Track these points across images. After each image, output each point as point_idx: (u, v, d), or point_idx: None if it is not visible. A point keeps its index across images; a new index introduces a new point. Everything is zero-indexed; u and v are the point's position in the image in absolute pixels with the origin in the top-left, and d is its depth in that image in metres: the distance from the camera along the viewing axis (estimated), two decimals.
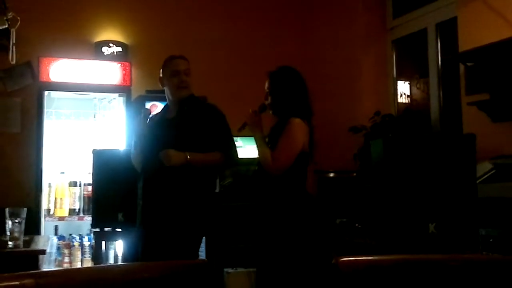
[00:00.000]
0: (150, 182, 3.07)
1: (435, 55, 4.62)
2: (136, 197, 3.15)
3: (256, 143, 3.07)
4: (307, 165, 3.17)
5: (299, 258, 2.95)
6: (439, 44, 4.60)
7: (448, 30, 4.44)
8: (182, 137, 3.07)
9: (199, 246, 3.13)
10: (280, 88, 3.14)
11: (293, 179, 3.06)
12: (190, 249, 2.98)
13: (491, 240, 2.97)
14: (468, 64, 3.86)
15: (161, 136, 3.11)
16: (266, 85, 3.18)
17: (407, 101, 5.10)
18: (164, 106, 3.37)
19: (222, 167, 3.34)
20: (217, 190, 4.93)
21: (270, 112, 3.19)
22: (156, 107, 4.68)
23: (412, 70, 5.16)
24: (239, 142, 4.31)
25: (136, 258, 3.04)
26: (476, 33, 3.79)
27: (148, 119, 3.21)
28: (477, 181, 3.13)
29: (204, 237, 3.37)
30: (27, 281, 1.10)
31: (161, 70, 3.26)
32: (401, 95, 5.14)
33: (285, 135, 3.00)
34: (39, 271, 2.52)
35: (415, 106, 4.98)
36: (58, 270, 1.52)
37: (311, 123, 3.21)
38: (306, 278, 2.96)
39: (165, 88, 3.25)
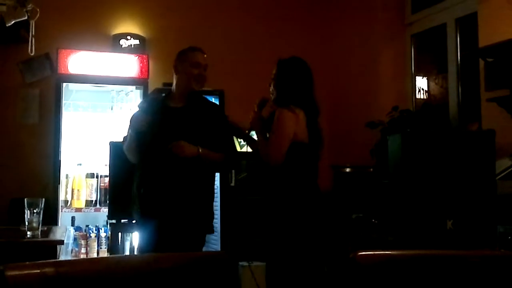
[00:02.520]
0: (160, 171, 2.98)
1: (454, 51, 4.57)
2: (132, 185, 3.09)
3: (257, 137, 3.14)
4: (307, 156, 3.13)
5: (297, 250, 2.97)
6: (458, 39, 4.55)
7: (467, 25, 4.39)
8: (191, 129, 3.01)
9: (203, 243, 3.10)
10: (285, 77, 3.15)
11: (291, 171, 3.05)
12: (198, 243, 3.00)
13: (509, 237, 2.94)
14: (488, 59, 3.81)
15: (168, 125, 3.03)
16: (274, 71, 3.20)
17: (425, 97, 5.06)
18: (165, 95, 3.24)
19: (222, 167, 3.35)
20: (232, 184, 4.97)
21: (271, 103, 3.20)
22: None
23: (431, 65, 5.11)
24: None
25: (149, 249, 3.01)
26: (496, 29, 3.74)
27: (147, 106, 3.14)
28: (496, 178, 3.10)
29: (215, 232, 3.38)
30: (47, 269, 1.11)
31: (178, 58, 3.17)
32: (419, 91, 5.09)
33: (273, 127, 3.03)
34: (59, 260, 2.55)
35: (434, 102, 4.94)
36: (78, 259, 1.54)
37: (313, 115, 3.17)
38: (305, 272, 2.97)
39: (178, 77, 3.15)
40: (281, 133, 3.02)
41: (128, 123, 3.11)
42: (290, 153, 3.01)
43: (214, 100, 5.13)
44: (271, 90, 3.18)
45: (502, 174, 3.19)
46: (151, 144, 3.00)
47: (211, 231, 3.10)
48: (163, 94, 3.31)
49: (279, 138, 3.02)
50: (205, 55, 3.18)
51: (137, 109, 3.16)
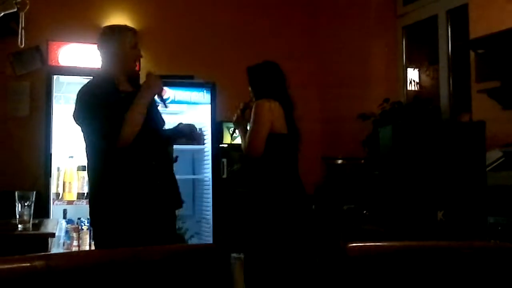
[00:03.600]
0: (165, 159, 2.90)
1: (446, 42, 4.58)
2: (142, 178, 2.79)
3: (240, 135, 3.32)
4: (286, 147, 3.26)
5: (277, 242, 3.05)
6: (449, 31, 4.57)
7: (458, 16, 4.40)
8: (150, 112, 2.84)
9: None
10: (257, 80, 3.34)
11: (272, 162, 3.17)
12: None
13: (499, 228, 2.97)
14: (479, 51, 3.83)
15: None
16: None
17: (416, 88, 5.08)
18: (106, 80, 2.83)
19: None
20: (224, 176, 4.98)
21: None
22: (165, 91, 4.66)
23: (422, 57, 5.12)
24: None
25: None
26: (487, 20, 3.76)
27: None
28: (487, 169, 3.12)
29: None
30: (37, 263, 1.11)
31: (116, 38, 2.85)
32: (410, 82, 5.11)
33: (252, 119, 3.16)
34: (49, 253, 2.55)
35: (425, 93, 4.96)
36: (68, 252, 1.54)
37: (289, 108, 3.33)
38: (285, 263, 3.01)
39: (116, 59, 2.84)
40: (258, 122, 3.14)
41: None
42: (269, 144, 3.13)
43: (205, 92, 5.14)
44: (251, 96, 3.35)
45: (492, 166, 3.21)
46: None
47: (179, 205, 2.96)
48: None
49: (257, 128, 3.14)
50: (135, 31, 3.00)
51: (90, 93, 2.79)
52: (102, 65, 2.89)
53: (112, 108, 2.68)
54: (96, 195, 2.78)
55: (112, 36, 2.86)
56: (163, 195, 2.83)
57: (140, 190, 2.74)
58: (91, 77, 2.93)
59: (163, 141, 2.91)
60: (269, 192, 3.10)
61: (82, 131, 2.82)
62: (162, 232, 2.77)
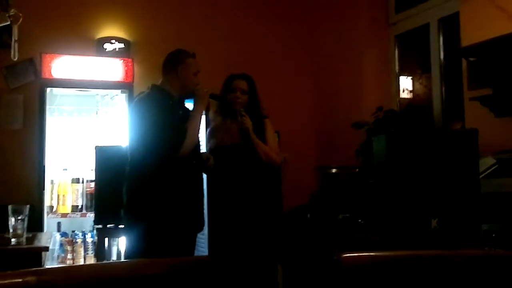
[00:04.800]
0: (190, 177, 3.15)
1: (438, 50, 4.61)
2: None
3: (254, 141, 3.29)
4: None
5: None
6: (441, 39, 4.59)
7: (450, 25, 4.43)
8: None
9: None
10: (255, 91, 3.44)
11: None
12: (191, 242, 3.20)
13: (493, 235, 2.97)
14: (471, 59, 3.85)
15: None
16: (244, 84, 3.42)
17: (409, 97, 5.10)
18: (176, 98, 3.21)
19: None
20: None
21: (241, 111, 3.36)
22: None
23: (415, 65, 5.14)
24: None
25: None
26: (479, 28, 3.78)
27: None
28: (480, 176, 3.12)
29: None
30: (29, 278, 1.10)
31: (182, 60, 3.22)
32: (403, 91, 5.13)
33: (272, 133, 3.43)
34: (41, 268, 2.53)
35: (418, 102, 4.97)
36: (60, 267, 1.53)
37: None
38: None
39: (178, 80, 3.19)
40: (276, 139, 3.46)
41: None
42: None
43: None
44: (240, 100, 3.38)
45: (486, 173, 3.22)
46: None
47: (201, 228, 3.23)
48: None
49: (276, 143, 3.45)
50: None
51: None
52: (163, 82, 3.23)
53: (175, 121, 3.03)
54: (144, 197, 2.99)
55: (177, 61, 3.21)
56: (190, 215, 3.08)
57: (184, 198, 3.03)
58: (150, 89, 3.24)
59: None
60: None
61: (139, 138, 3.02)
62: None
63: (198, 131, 3.10)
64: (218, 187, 3.36)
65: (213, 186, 3.39)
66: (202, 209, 3.18)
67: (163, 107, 3.02)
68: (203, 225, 3.21)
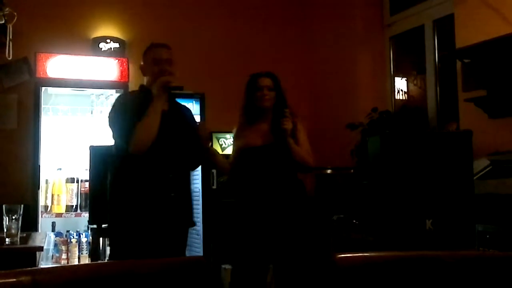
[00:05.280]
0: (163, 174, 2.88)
1: (432, 52, 4.62)
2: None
3: (289, 143, 3.13)
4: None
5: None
6: (436, 40, 4.61)
7: (445, 27, 4.44)
8: (179, 133, 2.95)
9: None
10: (281, 88, 3.28)
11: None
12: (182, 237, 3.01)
13: (487, 236, 2.99)
14: (465, 60, 3.87)
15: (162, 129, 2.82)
16: (269, 81, 3.23)
17: (404, 98, 5.11)
18: (143, 95, 2.92)
19: (197, 165, 3.30)
20: (214, 187, 4.97)
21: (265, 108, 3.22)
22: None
23: (409, 66, 5.16)
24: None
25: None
26: (473, 30, 3.80)
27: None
28: (474, 177, 3.14)
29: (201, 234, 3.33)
30: (24, 278, 1.10)
31: (143, 57, 3.06)
32: (398, 92, 5.14)
33: (304, 133, 3.25)
34: (36, 268, 2.52)
35: (412, 103, 4.99)
36: (55, 267, 1.53)
37: None
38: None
39: (147, 78, 3.00)
40: (307, 140, 3.27)
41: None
42: None
43: (194, 103, 5.13)
44: (268, 97, 3.20)
45: (480, 174, 3.23)
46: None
47: (192, 224, 3.05)
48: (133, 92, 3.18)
49: (308, 144, 3.26)
50: (169, 50, 3.06)
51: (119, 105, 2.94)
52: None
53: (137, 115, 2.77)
54: (111, 200, 2.88)
55: (142, 55, 3.05)
56: (175, 210, 2.87)
57: (150, 201, 2.80)
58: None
59: (186, 156, 2.95)
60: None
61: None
62: (169, 248, 2.80)
63: (153, 127, 2.75)
64: (246, 190, 3.15)
65: (240, 189, 3.19)
66: (183, 206, 2.94)
67: (123, 105, 2.89)
68: (190, 222, 3.02)
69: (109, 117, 2.92)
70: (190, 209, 3.02)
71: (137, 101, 2.87)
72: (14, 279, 1.09)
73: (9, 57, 4.09)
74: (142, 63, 3.06)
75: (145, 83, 3.03)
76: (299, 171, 3.23)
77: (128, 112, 2.82)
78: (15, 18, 4.02)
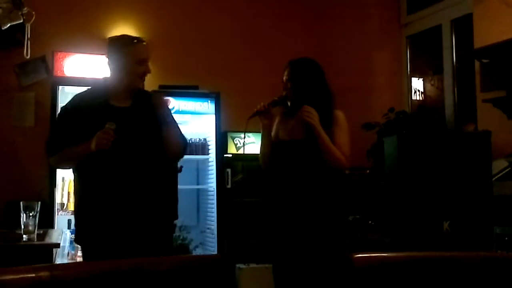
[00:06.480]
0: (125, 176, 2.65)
1: (450, 52, 4.58)
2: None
3: (320, 136, 2.84)
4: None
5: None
6: (453, 40, 4.57)
7: (463, 26, 4.40)
8: (142, 129, 2.71)
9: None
10: (301, 76, 3.01)
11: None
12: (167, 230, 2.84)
13: (506, 238, 2.95)
14: (484, 60, 3.83)
15: (119, 127, 2.60)
16: (286, 73, 3.03)
17: (421, 98, 5.07)
18: (102, 92, 2.76)
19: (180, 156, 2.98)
20: (228, 186, 4.97)
21: (286, 105, 3.04)
22: (170, 101, 4.68)
23: (427, 66, 5.12)
24: (251, 137, 4.32)
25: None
26: (492, 30, 3.76)
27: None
28: (493, 179, 3.10)
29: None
30: (43, 273, 1.11)
31: (119, 50, 2.73)
32: (415, 92, 5.11)
33: (342, 128, 2.94)
34: (54, 263, 2.54)
35: (429, 103, 4.95)
36: (73, 263, 1.54)
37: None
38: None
39: (119, 73, 2.72)
40: (348, 134, 2.95)
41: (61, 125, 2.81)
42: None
43: (210, 103, 5.14)
44: (284, 93, 3.01)
45: (499, 175, 3.20)
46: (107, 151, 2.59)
47: (175, 217, 2.87)
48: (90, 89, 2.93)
49: (347, 141, 2.93)
50: (147, 46, 2.87)
51: (69, 107, 2.79)
52: (107, 75, 2.81)
53: (84, 122, 2.63)
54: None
55: (120, 49, 2.73)
56: (149, 204, 2.66)
57: (117, 199, 2.61)
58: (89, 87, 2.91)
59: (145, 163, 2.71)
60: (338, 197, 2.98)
61: None
62: (152, 244, 2.63)
63: (77, 160, 2.68)
64: (275, 185, 2.95)
65: (270, 183, 2.99)
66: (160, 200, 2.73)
67: (66, 107, 2.80)
68: (173, 216, 2.84)
69: (58, 114, 2.89)
70: (173, 202, 2.87)
71: (93, 104, 2.70)
72: (33, 275, 1.09)
73: (27, 55, 4.13)
74: (118, 57, 2.72)
75: (114, 78, 2.76)
76: (329, 173, 2.88)
77: (71, 122, 2.69)
78: (34, 17, 4.05)
